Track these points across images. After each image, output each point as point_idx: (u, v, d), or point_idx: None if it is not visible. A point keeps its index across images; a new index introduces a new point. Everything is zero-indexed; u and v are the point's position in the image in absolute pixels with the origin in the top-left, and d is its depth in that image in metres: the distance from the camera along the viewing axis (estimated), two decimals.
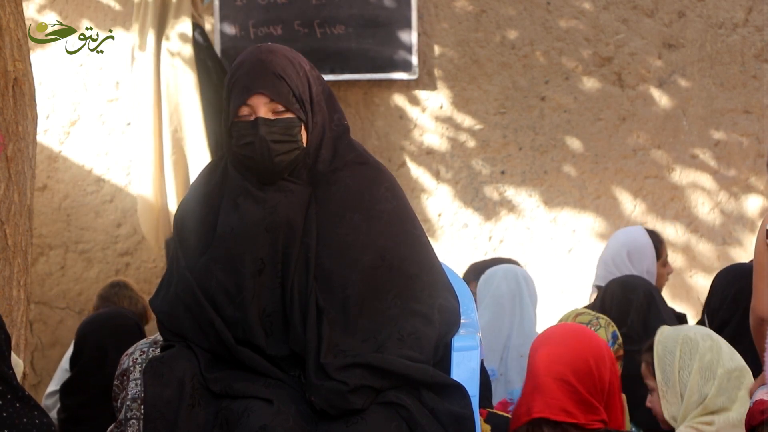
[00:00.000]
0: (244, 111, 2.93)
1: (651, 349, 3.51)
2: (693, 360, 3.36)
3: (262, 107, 2.91)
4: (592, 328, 4.01)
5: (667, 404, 3.45)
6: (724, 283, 4.22)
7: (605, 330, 4.01)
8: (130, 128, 6.09)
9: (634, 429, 4.27)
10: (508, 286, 4.64)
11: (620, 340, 4.06)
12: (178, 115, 5.53)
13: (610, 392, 3.35)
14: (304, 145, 2.96)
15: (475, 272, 5.05)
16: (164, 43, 5.57)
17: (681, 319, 4.70)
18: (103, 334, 4.43)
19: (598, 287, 5.05)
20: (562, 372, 3.26)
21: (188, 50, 5.55)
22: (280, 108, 2.92)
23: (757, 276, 3.09)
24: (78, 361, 4.50)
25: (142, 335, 4.50)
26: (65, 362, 4.84)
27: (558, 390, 3.24)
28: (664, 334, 3.46)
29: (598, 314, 4.08)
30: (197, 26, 5.68)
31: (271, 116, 2.92)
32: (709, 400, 3.31)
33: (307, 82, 2.98)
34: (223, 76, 5.65)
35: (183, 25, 5.55)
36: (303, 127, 2.95)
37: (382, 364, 2.83)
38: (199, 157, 5.51)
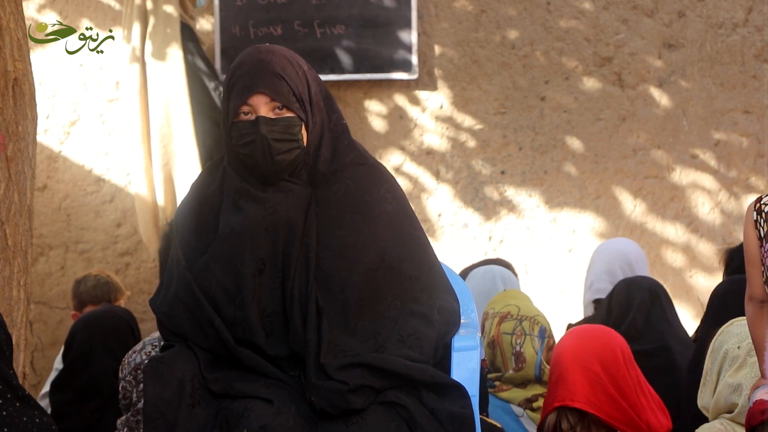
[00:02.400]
0: (245, 110, 2.93)
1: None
2: (729, 370, 3.36)
3: (263, 106, 2.92)
4: (517, 340, 4.01)
5: (702, 393, 3.47)
6: (719, 292, 4.20)
7: (530, 335, 4.01)
8: (125, 129, 6.10)
9: None
10: (484, 286, 4.67)
11: (549, 332, 4.06)
12: (166, 113, 5.55)
13: (640, 390, 3.35)
14: (305, 144, 2.97)
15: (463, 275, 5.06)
16: (152, 44, 5.58)
17: None
18: (92, 333, 4.45)
19: (598, 301, 4.95)
20: (588, 360, 3.27)
21: (177, 51, 5.56)
22: (281, 107, 2.93)
23: (748, 263, 3.11)
24: (66, 358, 4.52)
25: (135, 335, 4.52)
26: (57, 362, 4.85)
27: (583, 378, 3.25)
28: (731, 327, 3.45)
29: (521, 317, 4.06)
30: (186, 26, 5.68)
31: (271, 115, 2.92)
32: (736, 413, 3.32)
33: (306, 82, 2.98)
34: (212, 77, 5.68)
35: (172, 26, 5.55)
36: (303, 127, 2.96)
37: (382, 364, 2.84)
38: (187, 155, 5.54)
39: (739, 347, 3.37)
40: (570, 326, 4.86)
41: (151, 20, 5.59)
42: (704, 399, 3.46)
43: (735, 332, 3.42)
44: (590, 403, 3.25)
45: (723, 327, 3.48)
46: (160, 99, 5.57)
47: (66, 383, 4.47)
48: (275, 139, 2.91)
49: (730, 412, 3.36)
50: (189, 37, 5.67)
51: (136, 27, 5.60)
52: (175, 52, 5.56)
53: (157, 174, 5.60)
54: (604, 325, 3.79)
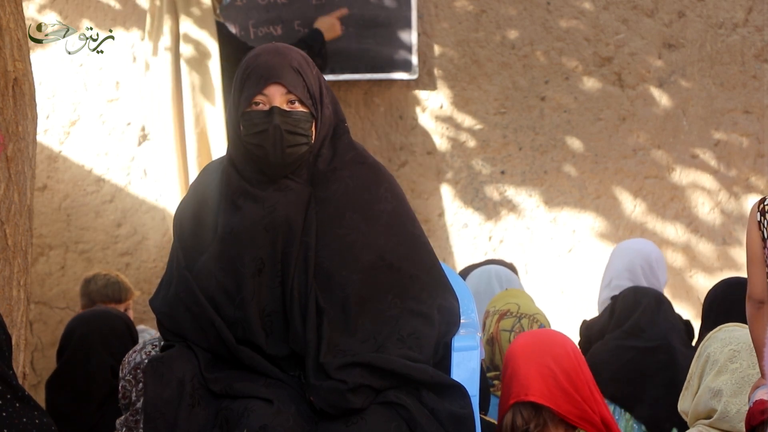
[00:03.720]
0: (259, 100, 2.94)
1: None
2: (710, 374, 3.36)
3: (278, 97, 2.93)
4: (514, 335, 4.01)
5: (683, 397, 3.47)
6: (716, 295, 4.21)
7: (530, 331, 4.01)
8: (131, 128, 6.09)
9: (635, 425, 4.28)
10: (478, 286, 4.69)
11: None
12: (204, 117, 5.42)
13: (594, 386, 3.34)
14: (312, 141, 2.98)
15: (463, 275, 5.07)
16: (183, 45, 5.42)
17: (686, 325, 4.69)
18: (90, 332, 4.43)
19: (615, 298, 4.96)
20: (540, 355, 3.24)
21: (213, 48, 5.38)
22: (295, 100, 2.94)
23: (750, 262, 3.11)
24: (62, 356, 4.50)
25: (132, 335, 4.51)
26: None
27: (536, 372, 3.22)
28: (717, 333, 3.45)
29: (521, 314, 4.06)
30: (221, 24, 5.53)
31: (286, 107, 2.93)
32: (714, 419, 3.32)
33: (318, 82, 3.01)
34: None
35: (204, 24, 5.40)
36: (313, 124, 2.97)
37: (382, 363, 2.84)
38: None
39: (720, 352, 3.37)
40: (584, 323, 4.89)
41: (182, 19, 5.42)
42: (685, 403, 3.46)
43: (720, 337, 3.42)
44: (544, 396, 3.21)
45: (711, 332, 3.48)
46: (198, 100, 5.41)
47: (63, 382, 4.45)
48: (288, 131, 2.92)
49: (708, 417, 3.35)
50: (227, 34, 5.52)
51: (167, 27, 5.43)
52: (212, 52, 5.39)
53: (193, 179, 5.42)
54: (554, 330, 3.79)
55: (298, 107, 2.95)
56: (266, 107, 2.93)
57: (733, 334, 3.41)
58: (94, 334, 4.42)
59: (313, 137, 2.98)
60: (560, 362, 3.24)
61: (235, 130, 2.99)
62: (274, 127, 2.91)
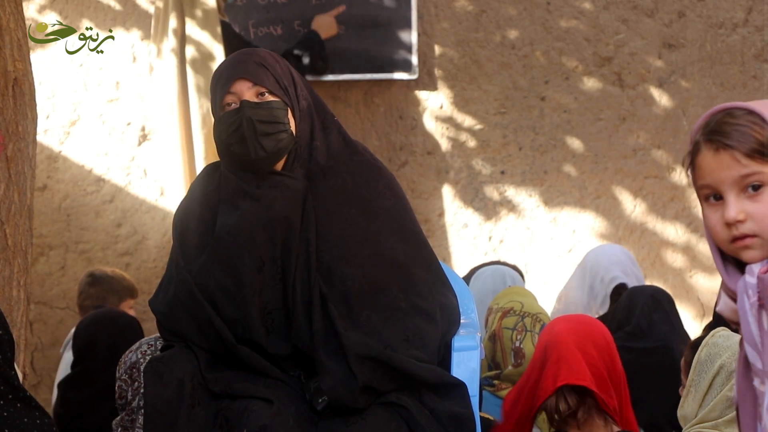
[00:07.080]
0: (229, 100, 2.95)
1: (694, 347, 3.49)
2: (728, 383, 3.35)
3: (246, 92, 2.94)
4: (517, 336, 4.01)
5: (684, 403, 3.45)
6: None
7: (531, 332, 4.01)
8: (131, 128, 6.09)
9: None
10: (494, 284, 4.70)
11: None
12: (210, 118, 5.35)
13: (621, 383, 3.35)
14: (293, 132, 2.97)
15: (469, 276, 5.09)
16: (188, 47, 5.40)
17: None
18: (118, 331, 4.43)
19: (616, 290, 4.99)
20: (584, 343, 3.25)
21: (218, 49, 5.36)
22: (265, 92, 2.95)
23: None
24: (88, 355, 4.48)
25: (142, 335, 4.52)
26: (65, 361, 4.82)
27: (582, 358, 3.23)
28: (715, 339, 3.43)
29: (524, 313, 4.07)
30: (226, 24, 5.51)
31: (255, 100, 2.94)
32: (723, 422, 3.31)
33: (290, 74, 3.01)
34: None
35: (209, 25, 5.38)
36: (290, 114, 2.97)
37: (399, 364, 2.83)
38: None
39: (735, 361, 3.36)
40: None
41: (187, 20, 5.38)
42: (686, 409, 3.44)
43: (725, 345, 3.41)
44: (593, 382, 3.23)
45: (706, 338, 3.47)
46: (203, 103, 5.37)
47: (85, 381, 4.44)
48: (261, 120, 2.92)
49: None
50: (232, 34, 5.51)
51: (171, 28, 5.40)
52: (217, 54, 5.34)
53: None
54: (590, 317, 3.80)
55: (269, 98, 2.95)
56: (237, 105, 2.94)
57: (735, 340, 3.40)
58: (121, 336, 4.42)
59: (293, 126, 2.97)
60: (601, 352, 3.27)
61: (219, 137, 3.00)
62: (246, 120, 2.92)
